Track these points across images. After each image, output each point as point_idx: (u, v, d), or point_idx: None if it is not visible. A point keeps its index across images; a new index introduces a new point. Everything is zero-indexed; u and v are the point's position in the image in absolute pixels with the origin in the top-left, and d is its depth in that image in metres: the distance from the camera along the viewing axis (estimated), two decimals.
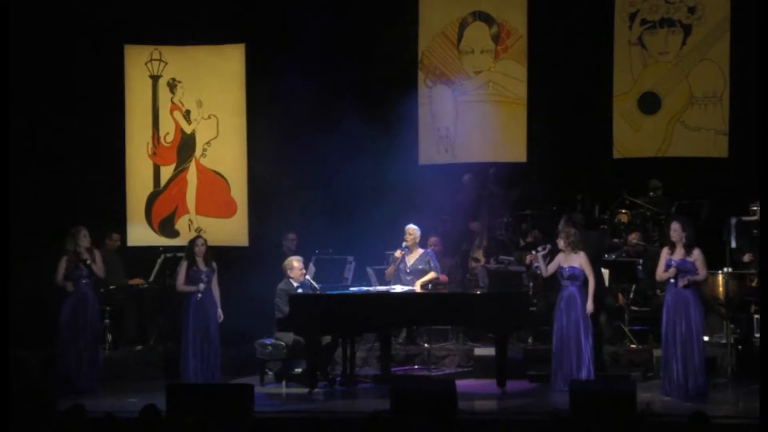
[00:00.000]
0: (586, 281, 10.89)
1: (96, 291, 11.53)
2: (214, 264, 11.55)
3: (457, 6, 13.88)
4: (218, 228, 13.87)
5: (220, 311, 11.49)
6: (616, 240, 12.98)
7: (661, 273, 10.58)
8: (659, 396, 10.28)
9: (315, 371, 11.14)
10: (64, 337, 11.18)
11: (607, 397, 8.70)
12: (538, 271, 12.31)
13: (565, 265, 10.88)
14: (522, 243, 13.25)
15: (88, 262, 11.22)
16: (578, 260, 10.86)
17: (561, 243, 10.92)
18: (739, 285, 11.73)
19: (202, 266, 11.46)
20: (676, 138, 13.34)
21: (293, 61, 13.61)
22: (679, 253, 10.48)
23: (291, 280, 11.50)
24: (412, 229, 11.81)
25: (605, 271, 11.89)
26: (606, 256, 12.42)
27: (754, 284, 11.59)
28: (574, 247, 10.88)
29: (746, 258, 11.95)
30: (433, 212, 13.25)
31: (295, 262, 11.57)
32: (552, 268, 10.99)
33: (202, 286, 11.38)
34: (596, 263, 11.26)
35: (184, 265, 11.52)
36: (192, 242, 11.65)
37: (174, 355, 11.64)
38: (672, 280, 10.46)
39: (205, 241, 11.67)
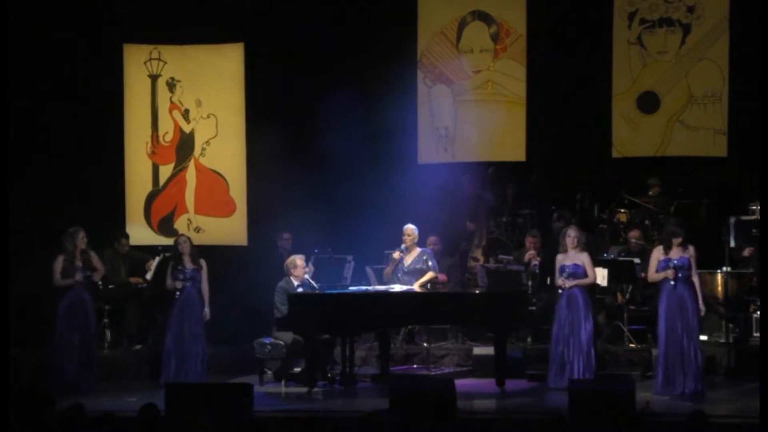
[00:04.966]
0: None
1: (94, 289, 11.51)
2: (202, 262, 11.45)
3: (456, 5, 13.89)
4: (217, 227, 13.89)
5: (207, 310, 11.38)
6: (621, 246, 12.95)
7: (653, 274, 10.55)
8: (656, 395, 10.26)
9: (314, 370, 11.14)
10: (60, 335, 11.16)
11: (607, 396, 8.69)
12: (537, 270, 12.33)
13: (568, 263, 10.79)
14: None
15: (90, 273, 11.24)
16: (581, 258, 10.81)
17: (569, 243, 10.82)
18: (738, 284, 11.73)
19: (188, 264, 11.40)
20: (675, 137, 13.35)
21: (292, 60, 13.62)
22: (676, 252, 10.43)
23: (293, 279, 11.48)
24: (411, 229, 11.76)
25: (604, 271, 11.86)
26: (605, 255, 12.42)
27: (753, 283, 11.60)
28: (582, 248, 10.82)
29: (746, 252, 11.95)
30: (432, 211, 13.25)
31: (299, 261, 11.53)
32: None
33: (178, 283, 11.32)
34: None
35: (171, 264, 11.51)
36: (175, 240, 11.65)
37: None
38: (671, 282, 10.38)
39: (189, 238, 11.62)
